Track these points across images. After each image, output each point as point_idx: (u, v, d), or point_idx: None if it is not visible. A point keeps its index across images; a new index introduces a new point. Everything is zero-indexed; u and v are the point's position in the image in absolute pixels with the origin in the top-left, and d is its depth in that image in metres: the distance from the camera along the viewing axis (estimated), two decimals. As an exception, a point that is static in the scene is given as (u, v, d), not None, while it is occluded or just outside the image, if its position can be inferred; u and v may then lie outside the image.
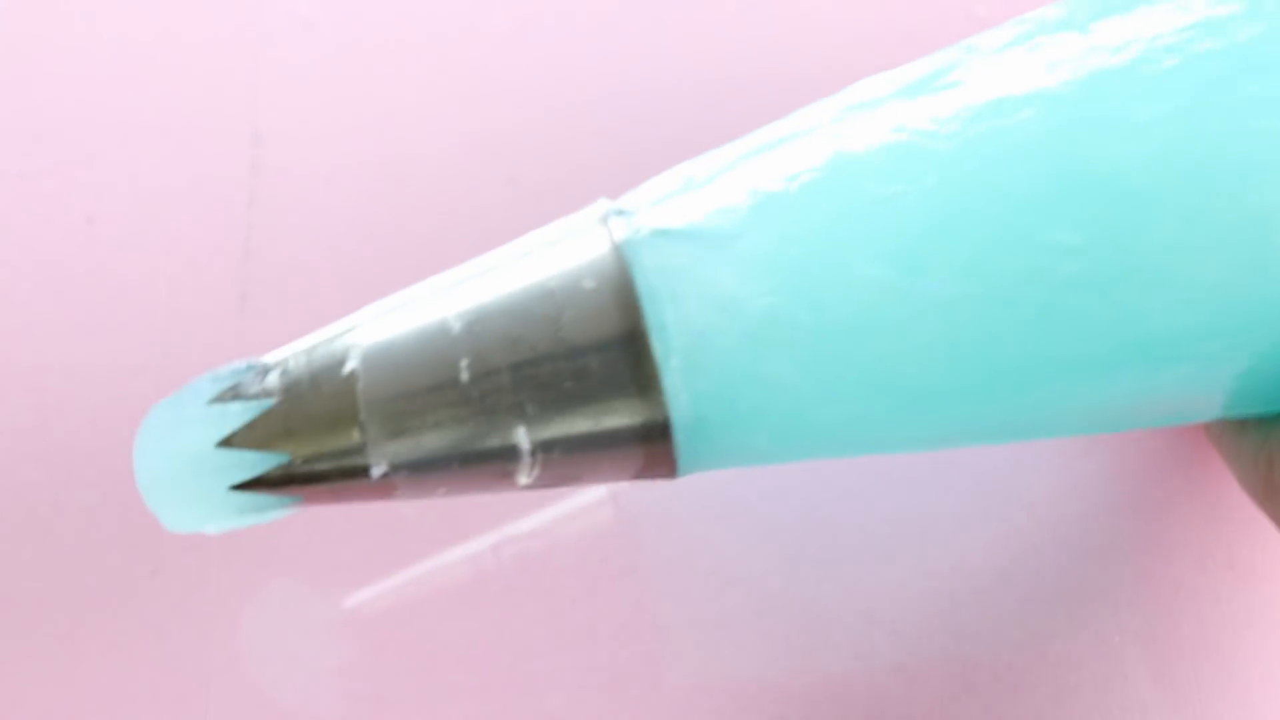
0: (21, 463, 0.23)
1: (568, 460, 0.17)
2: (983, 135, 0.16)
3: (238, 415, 0.17)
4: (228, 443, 0.17)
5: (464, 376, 0.16)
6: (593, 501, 0.23)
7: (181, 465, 0.17)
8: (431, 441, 0.17)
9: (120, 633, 0.22)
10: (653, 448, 0.17)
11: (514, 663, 0.21)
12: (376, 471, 0.17)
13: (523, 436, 0.16)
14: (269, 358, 0.18)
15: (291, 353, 0.17)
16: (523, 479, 0.17)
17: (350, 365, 0.17)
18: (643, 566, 0.22)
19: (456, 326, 0.17)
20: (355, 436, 0.17)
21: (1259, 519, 0.22)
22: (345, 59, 0.26)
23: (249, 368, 0.18)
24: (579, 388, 0.16)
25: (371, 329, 0.17)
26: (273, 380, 0.17)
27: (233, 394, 0.17)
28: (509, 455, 0.17)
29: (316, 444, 0.17)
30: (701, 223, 0.16)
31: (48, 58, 0.26)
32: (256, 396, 0.17)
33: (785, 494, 0.23)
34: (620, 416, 0.16)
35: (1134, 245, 0.15)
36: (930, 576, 0.22)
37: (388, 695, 0.21)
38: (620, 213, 0.17)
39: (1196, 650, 0.21)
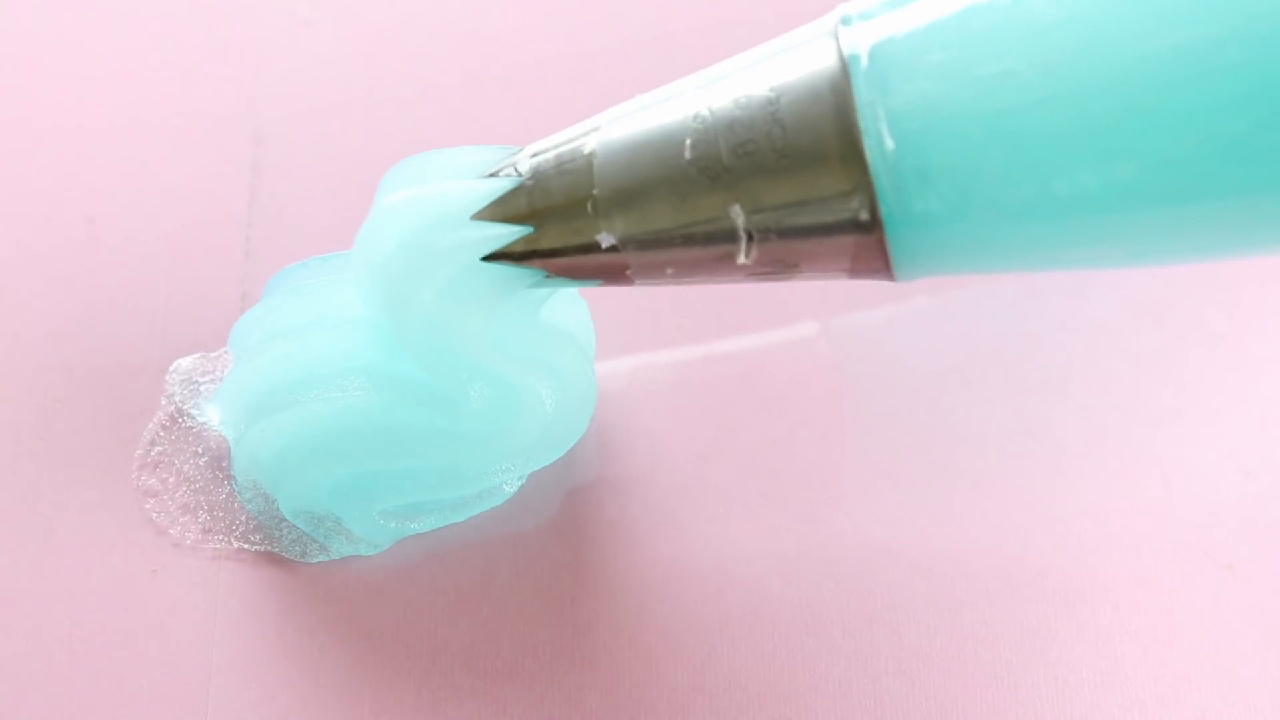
0: (21, 463, 0.23)
1: (783, 242, 0.18)
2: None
3: (490, 192, 0.19)
4: (479, 215, 0.19)
5: (686, 155, 0.18)
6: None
7: (439, 231, 0.19)
8: (655, 217, 0.18)
9: (120, 633, 0.22)
10: (862, 235, 0.17)
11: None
12: (605, 241, 0.18)
13: (738, 213, 0.18)
14: (528, 147, 0.19)
15: (545, 144, 0.19)
16: (741, 259, 0.18)
17: (589, 148, 0.18)
18: (641, 566, 0.22)
19: (684, 113, 0.18)
20: (588, 209, 0.18)
21: (1259, 519, 0.22)
22: (345, 59, 0.26)
23: (508, 153, 0.19)
24: (790, 164, 0.17)
25: (613, 119, 0.19)
26: (524, 163, 0.19)
27: (491, 173, 0.19)
28: (726, 234, 0.18)
29: (555, 218, 0.19)
30: (899, 27, 0.17)
31: (48, 57, 0.26)
32: (508, 175, 0.19)
33: (785, 494, 0.23)
34: (827, 193, 0.17)
35: None
36: (930, 576, 0.22)
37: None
38: (844, 19, 0.18)
39: (1196, 650, 0.21)
